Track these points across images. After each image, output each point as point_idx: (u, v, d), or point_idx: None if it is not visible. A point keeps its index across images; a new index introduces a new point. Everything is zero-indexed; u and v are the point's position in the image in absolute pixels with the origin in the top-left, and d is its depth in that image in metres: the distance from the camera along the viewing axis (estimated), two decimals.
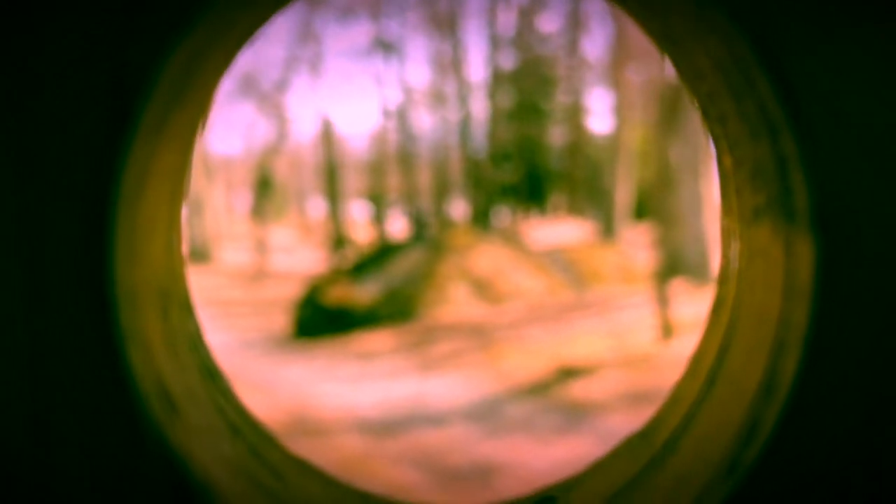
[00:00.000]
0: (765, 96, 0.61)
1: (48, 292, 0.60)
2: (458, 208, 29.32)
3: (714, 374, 0.72)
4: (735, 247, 0.73)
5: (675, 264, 14.01)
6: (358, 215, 35.99)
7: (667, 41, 0.71)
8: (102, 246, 0.59)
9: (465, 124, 25.82)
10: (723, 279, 0.76)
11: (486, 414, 9.33)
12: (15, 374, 0.60)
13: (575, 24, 26.79)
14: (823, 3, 0.61)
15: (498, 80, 27.50)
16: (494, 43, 26.88)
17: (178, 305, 0.72)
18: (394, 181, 32.93)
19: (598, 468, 0.78)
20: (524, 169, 30.33)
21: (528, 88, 28.42)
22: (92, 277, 0.60)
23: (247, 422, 0.76)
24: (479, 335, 13.30)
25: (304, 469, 0.77)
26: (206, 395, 0.71)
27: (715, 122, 0.71)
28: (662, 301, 11.78)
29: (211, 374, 0.75)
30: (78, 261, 0.60)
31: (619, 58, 20.50)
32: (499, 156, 28.01)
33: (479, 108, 28.90)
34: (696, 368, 0.75)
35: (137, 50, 0.59)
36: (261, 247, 26.57)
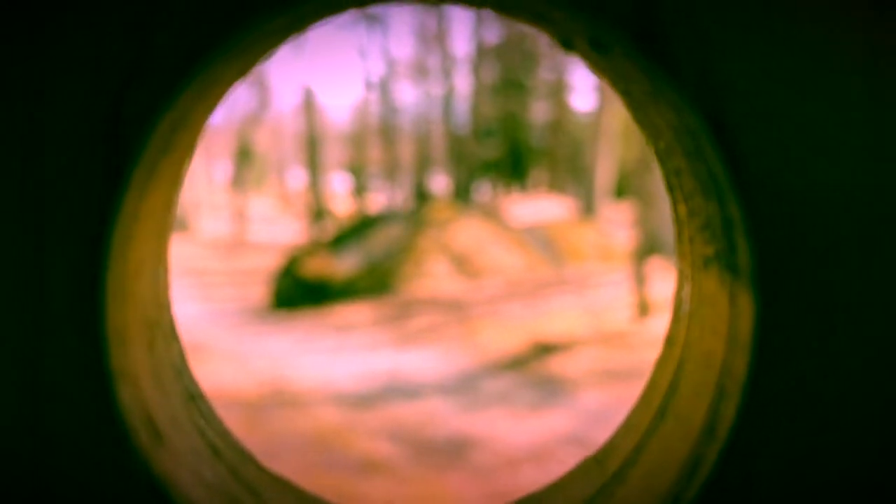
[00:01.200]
0: (712, 162, 0.66)
1: (44, 335, 0.64)
2: (439, 183, 29.28)
3: (664, 409, 0.77)
4: (687, 289, 0.78)
5: (653, 243, 14.11)
6: (338, 187, 35.84)
7: (628, 98, 0.75)
8: (95, 290, 0.63)
9: (448, 98, 25.74)
10: (675, 318, 0.81)
11: (462, 388, 9.42)
12: (12, 411, 0.64)
13: None
14: (775, 74, 0.65)
15: (482, 54, 27.38)
16: (479, 17, 26.73)
17: (164, 335, 0.77)
18: (375, 154, 32.78)
19: (555, 490, 0.83)
20: (506, 145, 30.31)
21: (512, 64, 28.33)
22: (85, 321, 0.64)
23: (226, 442, 0.80)
24: (457, 310, 13.38)
25: (281, 486, 0.81)
26: (188, 419, 0.76)
27: (671, 174, 0.76)
28: (640, 279, 11.90)
29: (193, 398, 0.79)
30: (73, 305, 0.64)
31: None
32: (481, 131, 27.97)
33: (463, 82, 28.81)
34: (649, 400, 0.80)
35: (132, 109, 0.63)
36: (240, 217, 26.44)
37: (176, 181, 0.75)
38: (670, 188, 0.77)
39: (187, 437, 0.74)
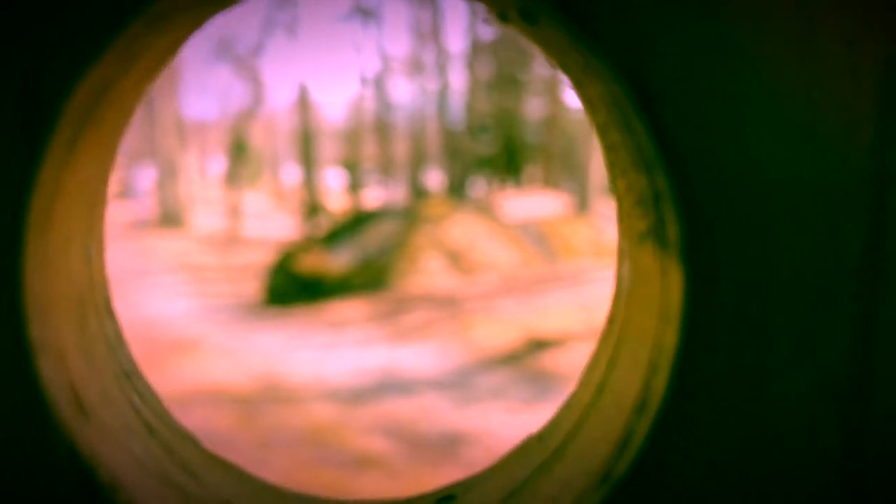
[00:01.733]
0: (640, 135, 0.65)
1: None
2: (434, 179, 29.27)
3: (602, 385, 0.77)
4: (626, 266, 0.77)
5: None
6: (333, 183, 35.83)
7: (567, 73, 0.75)
8: (13, 265, 0.63)
9: (442, 94, 25.72)
10: (616, 296, 0.80)
11: (456, 383, 9.44)
12: None
13: None
14: (695, 50, 0.65)
15: (477, 50, 27.37)
16: (474, 12, 26.71)
17: (97, 311, 0.76)
18: (370, 150, 32.77)
19: (498, 468, 0.83)
20: (501, 141, 30.30)
21: (507, 60, 28.32)
22: (1, 293, 0.63)
23: (162, 420, 0.80)
24: (452, 306, 13.39)
25: (219, 466, 0.81)
26: (121, 396, 0.75)
27: (608, 150, 0.75)
28: None
29: (127, 375, 0.78)
30: None
31: None
32: (476, 127, 27.96)
33: (458, 78, 28.78)
34: (589, 377, 0.80)
35: (46, 77, 0.62)
36: (234, 212, 26.43)
37: (105, 157, 0.74)
38: (609, 164, 0.77)
39: (119, 415, 0.73)
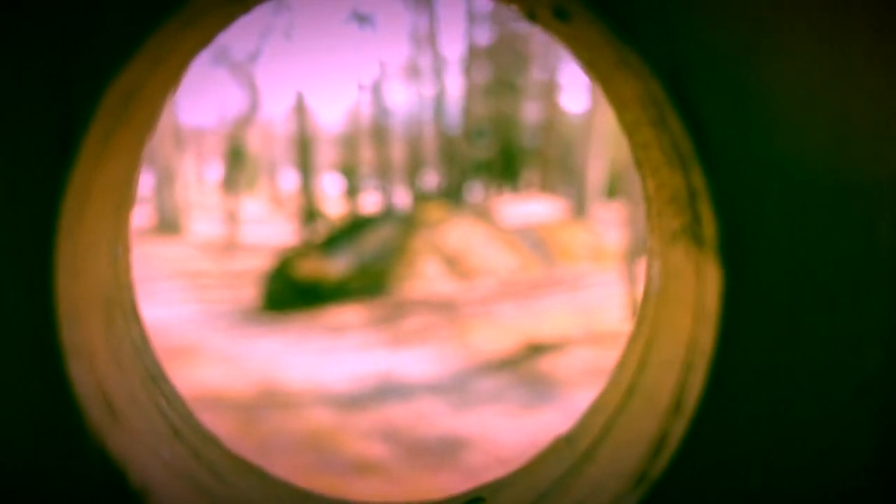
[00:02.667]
0: (676, 132, 0.65)
1: None
2: (431, 183, 29.27)
3: (632, 387, 0.76)
4: (656, 266, 0.77)
5: (644, 243, 14.11)
6: (330, 189, 35.82)
7: (594, 71, 0.74)
8: (45, 266, 0.62)
9: (439, 99, 25.73)
10: (646, 296, 0.80)
11: (454, 388, 9.42)
12: None
13: None
14: (736, 42, 0.64)
15: (473, 55, 27.39)
16: (471, 18, 26.76)
17: (123, 314, 0.75)
18: (367, 155, 32.77)
19: (527, 470, 0.82)
20: (498, 145, 30.31)
21: (504, 64, 28.35)
22: (34, 294, 0.63)
23: (188, 423, 0.79)
24: (450, 311, 13.38)
25: (244, 468, 0.80)
26: (148, 399, 0.75)
27: (639, 148, 0.75)
28: (632, 279, 11.91)
29: (154, 379, 0.78)
30: (20, 279, 0.63)
31: None
32: (473, 132, 27.97)
33: (454, 83, 28.83)
34: (618, 379, 0.79)
35: (79, 80, 0.62)
36: (231, 218, 26.39)
37: (133, 157, 0.74)
38: (638, 163, 0.76)
39: (146, 417, 0.73)
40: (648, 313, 0.78)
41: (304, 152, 28.33)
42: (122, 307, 0.75)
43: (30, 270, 0.62)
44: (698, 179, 0.65)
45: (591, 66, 0.74)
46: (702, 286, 0.68)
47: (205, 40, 0.73)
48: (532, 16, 0.73)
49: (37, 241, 0.62)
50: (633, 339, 0.80)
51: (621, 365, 0.80)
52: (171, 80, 0.73)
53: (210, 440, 0.80)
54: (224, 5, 0.67)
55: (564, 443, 0.81)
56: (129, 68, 0.62)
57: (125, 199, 0.75)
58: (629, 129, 0.75)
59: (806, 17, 0.65)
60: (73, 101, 0.61)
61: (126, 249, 0.78)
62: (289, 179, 40.10)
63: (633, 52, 0.64)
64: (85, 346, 0.66)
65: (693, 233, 0.68)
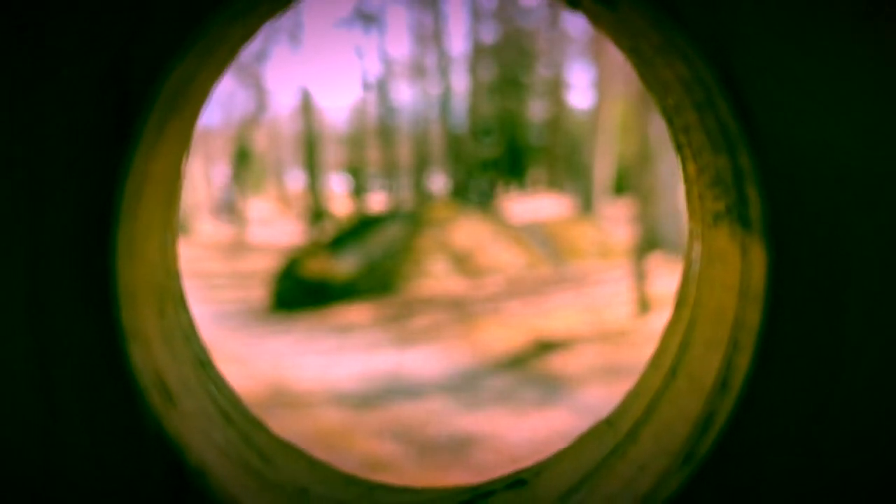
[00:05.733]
0: (723, 114, 0.66)
1: (54, 294, 0.64)
2: (438, 182, 29.27)
3: (675, 368, 0.77)
4: (697, 248, 0.78)
5: (652, 240, 14.09)
6: (337, 188, 35.84)
7: (635, 56, 0.75)
8: (105, 249, 0.63)
9: (445, 98, 25.73)
10: (685, 278, 0.81)
11: (463, 386, 9.42)
12: (22, 371, 0.64)
13: None
14: (780, 27, 0.65)
15: (479, 53, 27.38)
16: (476, 16, 26.75)
17: (173, 301, 0.77)
18: (373, 154, 32.78)
19: (568, 452, 0.83)
20: (504, 143, 30.29)
21: (509, 62, 28.32)
22: (95, 279, 0.64)
23: (237, 408, 0.80)
24: (458, 308, 13.38)
25: (291, 451, 0.81)
26: (198, 384, 0.76)
27: (680, 132, 0.76)
28: (639, 276, 11.90)
29: (203, 365, 0.79)
30: (82, 264, 0.64)
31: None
32: (479, 130, 27.96)
33: (460, 81, 28.82)
34: (659, 361, 0.80)
35: (137, 72, 0.63)
36: (239, 219, 26.43)
37: (184, 145, 0.75)
38: (678, 146, 0.77)
39: (198, 401, 0.74)
40: (689, 295, 0.79)
41: (310, 152, 28.37)
42: (173, 295, 0.77)
43: (91, 253, 0.64)
44: (745, 161, 0.66)
45: (633, 50, 0.75)
46: (748, 266, 0.68)
47: (251, 32, 0.74)
48: (575, 3, 0.74)
49: (98, 224, 0.63)
50: (674, 322, 0.81)
51: (661, 349, 0.81)
52: (219, 71, 0.74)
53: (258, 425, 0.81)
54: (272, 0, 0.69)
55: (605, 426, 0.82)
56: (184, 60, 0.63)
57: (175, 187, 0.76)
58: (670, 112, 0.76)
59: (845, 7, 0.66)
60: (131, 90, 0.62)
61: (174, 238, 0.79)
62: (296, 179, 40.15)
63: (681, 36, 0.65)
64: (142, 330, 0.67)
65: (739, 214, 0.69)
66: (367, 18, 26.83)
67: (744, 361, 0.67)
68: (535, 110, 31.70)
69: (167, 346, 0.72)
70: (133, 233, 0.67)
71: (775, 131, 0.65)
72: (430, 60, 27.69)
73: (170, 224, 0.77)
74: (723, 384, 0.69)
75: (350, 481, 0.81)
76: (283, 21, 27.13)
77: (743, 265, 0.69)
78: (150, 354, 0.68)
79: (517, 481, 0.82)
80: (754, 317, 0.67)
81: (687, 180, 0.78)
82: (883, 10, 0.66)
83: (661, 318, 10.91)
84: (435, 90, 27.30)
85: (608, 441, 0.79)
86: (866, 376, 0.68)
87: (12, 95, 0.62)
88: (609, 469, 0.76)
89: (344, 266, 15.44)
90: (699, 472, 0.68)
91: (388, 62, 30.61)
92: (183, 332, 0.77)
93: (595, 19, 0.75)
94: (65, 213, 0.63)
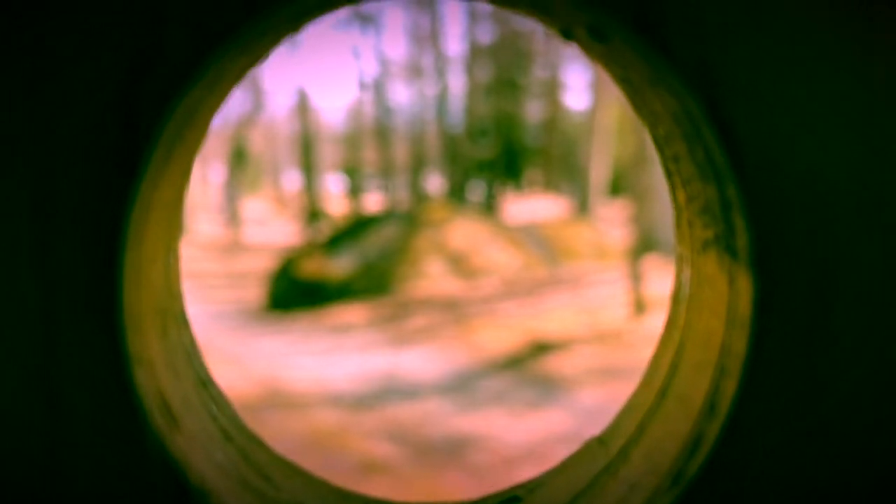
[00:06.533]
0: (711, 146, 0.68)
1: (63, 322, 0.66)
2: (434, 183, 29.27)
3: (665, 389, 0.79)
4: (687, 272, 0.80)
5: (648, 241, 14.12)
6: (333, 188, 35.81)
7: (627, 86, 0.77)
8: (113, 277, 0.65)
9: (442, 98, 25.74)
10: (675, 301, 0.83)
11: (459, 387, 9.43)
12: (31, 395, 0.66)
13: None
14: (768, 56, 0.67)
15: (475, 54, 27.39)
16: (472, 16, 26.76)
17: (175, 321, 0.79)
18: (370, 154, 32.76)
19: (561, 470, 0.85)
20: (500, 144, 30.30)
21: (506, 63, 28.33)
22: (102, 306, 0.66)
23: (237, 426, 0.82)
24: (454, 309, 13.39)
25: (289, 469, 0.83)
26: (200, 403, 0.78)
27: (670, 161, 0.78)
28: (635, 277, 11.92)
29: (204, 384, 0.81)
30: (90, 292, 0.66)
31: None
32: (475, 130, 27.97)
33: (457, 82, 28.82)
34: (650, 381, 0.82)
35: (146, 104, 0.65)
36: (235, 219, 26.40)
37: (186, 172, 0.77)
38: (669, 174, 0.79)
39: (200, 421, 0.76)
40: (679, 318, 0.81)
41: (307, 152, 28.36)
42: (175, 315, 0.79)
43: (99, 281, 0.65)
44: (732, 192, 0.68)
45: (625, 81, 0.77)
46: (735, 294, 0.70)
47: (255, 61, 0.76)
48: (568, 35, 0.76)
49: (105, 253, 0.65)
50: (664, 342, 0.83)
51: (652, 368, 0.83)
52: (222, 99, 0.76)
53: (257, 442, 0.83)
54: (277, 29, 0.71)
55: (597, 443, 0.84)
56: (191, 93, 0.65)
57: (177, 212, 0.78)
58: (660, 142, 0.78)
59: (830, 34, 0.68)
60: (139, 125, 0.64)
61: (177, 259, 0.81)
62: (292, 179, 40.10)
63: (669, 69, 0.67)
64: (146, 354, 0.69)
65: (726, 243, 0.71)
66: (364, 19, 26.84)
67: (731, 386, 0.69)
68: (532, 111, 31.71)
69: (170, 368, 0.74)
70: (139, 259, 0.68)
71: (762, 161, 0.67)
72: (427, 61, 27.72)
73: (173, 246, 0.79)
74: (711, 407, 0.71)
75: (346, 497, 0.83)
76: None
77: (730, 293, 0.71)
78: (153, 377, 0.69)
79: (512, 498, 0.84)
80: (741, 344, 0.69)
81: (677, 207, 0.80)
82: (870, 28, 0.68)
83: (656, 319, 10.93)
84: (431, 91, 27.32)
85: (600, 459, 0.81)
86: (852, 401, 0.70)
87: (25, 134, 0.64)
88: (601, 487, 0.78)
89: (340, 266, 15.45)
90: (688, 492, 0.70)
91: (384, 63, 30.61)
92: (185, 351, 0.79)
93: (588, 51, 0.77)
94: (74, 244, 0.65)
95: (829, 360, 0.69)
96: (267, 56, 0.75)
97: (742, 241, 0.68)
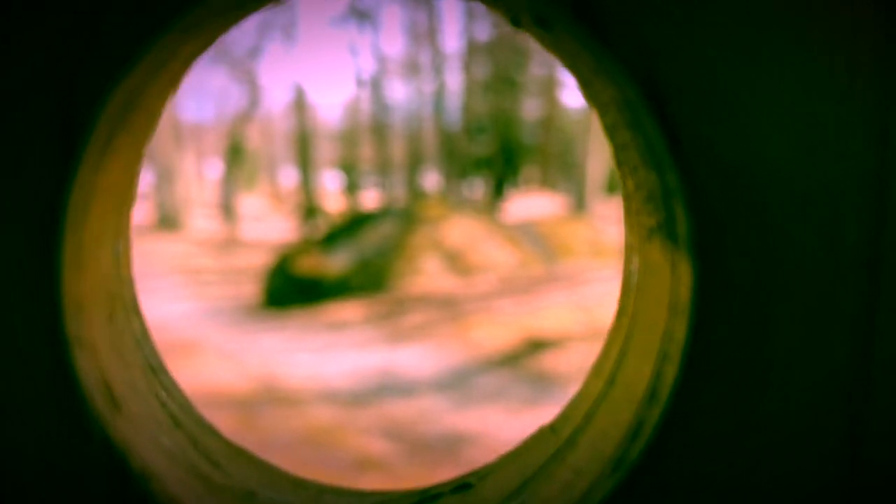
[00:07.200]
0: (651, 134, 0.68)
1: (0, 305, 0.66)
2: (431, 180, 29.28)
3: (613, 376, 0.79)
4: (635, 261, 0.80)
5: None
6: (330, 185, 35.82)
7: (577, 76, 0.77)
8: (51, 259, 0.66)
9: (439, 95, 25.74)
10: (625, 290, 0.83)
11: (455, 384, 9.45)
12: None
13: None
14: (710, 38, 0.67)
15: (473, 51, 27.38)
16: (470, 14, 26.75)
17: (124, 307, 0.79)
18: (367, 151, 32.76)
19: (513, 457, 0.85)
20: (497, 141, 30.30)
21: (503, 60, 28.33)
22: (40, 290, 0.66)
23: (188, 413, 0.82)
24: (450, 307, 13.41)
25: (241, 456, 0.84)
26: (148, 389, 0.78)
27: (618, 150, 0.78)
28: None
29: (153, 370, 0.81)
30: (27, 275, 0.66)
31: None
32: (472, 128, 27.98)
33: (454, 79, 28.82)
34: (600, 369, 0.83)
35: (83, 85, 0.65)
36: (232, 215, 26.40)
37: (134, 158, 0.77)
38: (618, 163, 0.80)
39: (147, 406, 0.76)
40: (628, 306, 0.81)
41: (304, 148, 28.35)
42: (123, 301, 0.79)
43: (37, 264, 0.66)
44: (672, 180, 0.68)
45: (574, 70, 0.77)
46: (676, 281, 0.71)
47: (205, 45, 0.76)
48: (516, 22, 0.76)
49: (44, 237, 0.65)
50: (614, 330, 0.83)
51: (603, 356, 0.84)
52: (172, 84, 0.76)
53: (208, 430, 0.83)
54: (225, 11, 0.71)
55: (548, 431, 0.85)
56: (132, 74, 0.65)
57: (126, 197, 0.78)
58: (609, 130, 0.78)
59: (773, 21, 0.68)
60: (77, 105, 0.64)
61: (127, 246, 0.81)
62: (289, 176, 40.10)
63: (610, 60, 0.67)
64: (88, 338, 0.69)
65: (668, 230, 0.71)
66: (362, 15, 26.81)
67: (671, 373, 0.70)
68: (529, 109, 31.73)
69: (115, 353, 0.74)
70: (81, 243, 0.69)
71: (701, 149, 0.67)
72: (424, 58, 27.70)
73: (122, 232, 0.79)
74: (652, 394, 0.71)
75: (299, 485, 0.83)
76: (278, 17, 27.08)
77: (672, 280, 0.71)
78: (96, 361, 0.70)
79: (463, 485, 0.84)
80: (681, 330, 0.69)
81: (626, 195, 0.80)
82: (814, 16, 0.68)
83: None
84: (429, 88, 27.32)
85: (550, 446, 0.82)
86: (791, 388, 0.70)
87: None
88: (549, 474, 0.79)
89: (336, 263, 15.45)
90: (629, 478, 0.70)
91: (382, 59, 30.60)
92: (134, 338, 0.79)
93: (539, 40, 0.77)
94: (10, 225, 0.66)
95: (770, 350, 0.70)
96: (215, 41, 0.76)
97: (682, 228, 0.69)
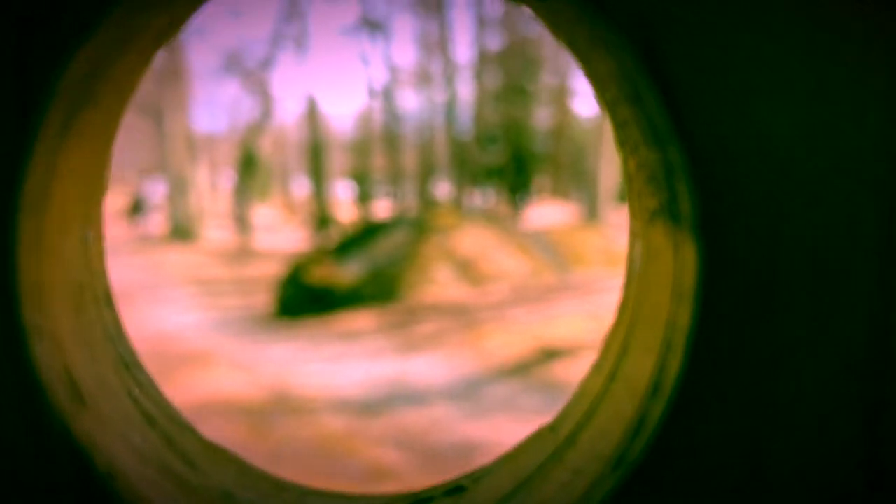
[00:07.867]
0: (652, 109, 0.64)
1: None
2: (443, 189, 29.30)
3: (614, 372, 0.75)
4: (638, 247, 0.75)
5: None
6: (342, 195, 35.93)
7: (574, 50, 0.73)
8: (6, 242, 0.61)
9: (450, 105, 25.77)
10: (628, 279, 0.78)
11: (467, 394, 9.40)
12: None
13: None
14: (710, 19, 0.63)
15: (484, 60, 27.43)
16: (481, 23, 26.80)
17: (95, 299, 0.75)
18: (378, 161, 32.85)
19: (508, 458, 0.81)
20: (509, 150, 30.31)
21: (515, 70, 28.36)
22: None
23: (164, 411, 0.78)
24: (462, 316, 13.37)
25: (221, 456, 0.79)
26: (120, 385, 0.74)
27: (619, 127, 0.73)
28: None
29: (127, 366, 0.77)
30: None
31: None
32: (484, 137, 28.00)
33: (465, 89, 28.90)
34: (601, 365, 0.78)
35: (37, 55, 0.61)
36: (244, 225, 26.50)
37: (103, 141, 0.73)
38: (619, 143, 0.75)
39: (117, 403, 0.72)
40: (631, 296, 0.76)
41: (316, 159, 28.42)
42: (94, 293, 0.75)
43: None
44: (675, 156, 0.63)
45: (571, 44, 0.73)
46: (680, 264, 0.66)
47: (176, 22, 0.72)
48: None
49: None
50: (616, 325, 0.78)
51: (603, 352, 0.79)
52: (141, 62, 0.72)
53: (186, 428, 0.79)
54: None
55: (547, 431, 0.80)
56: (91, 45, 0.61)
57: (96, 184, 0.74)
58: (609, 106, 0.73)
59: None
60: (31, 75, 0.60)
61: (98, 236, 0.77)
62: (301, 186, 40.25)
63: (608, 29, 0.62)
64: (49, 328, 0.65)
65: (671, 211, 0.66)
66: (373, 26, 26.88)
67: (675, 364, 0.65)
68: (541, 118, 31.71)
69: (83, 346, 0.70)
70: (41, 228, 0.65)
71: (706, 124, 0.63)
72: (436, 68, 27.76)
73: (92, 220, 0.75)
74: (655, 387, 0.66)
75: (281, 487, 0.78)
76: (289, 28, 27.20)
77: (675, 263, 0.67)
78: (59, 354, 0.65)
79: (456, 488, 0.79)
80: (685, 317, 0.64)
81: (627, 177, 0.76)
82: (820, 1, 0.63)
83: None
84: (440, 97, 27.36)
85: (548, 446, 0.77)
86: (803, 377, 0.65)
87: None
88: (546, 474, 0.74)
89: (348, 273, 15.44)
90: (631, 476, 0.65)
91: (393, 69, 30.66)
92: (105, 331, 0.75)
93: (536, 12, 0.73)
94: None
95: (781, 338, 0.65)
96: (188, 18, 0.71)
97: (685, 207, 0.64)
